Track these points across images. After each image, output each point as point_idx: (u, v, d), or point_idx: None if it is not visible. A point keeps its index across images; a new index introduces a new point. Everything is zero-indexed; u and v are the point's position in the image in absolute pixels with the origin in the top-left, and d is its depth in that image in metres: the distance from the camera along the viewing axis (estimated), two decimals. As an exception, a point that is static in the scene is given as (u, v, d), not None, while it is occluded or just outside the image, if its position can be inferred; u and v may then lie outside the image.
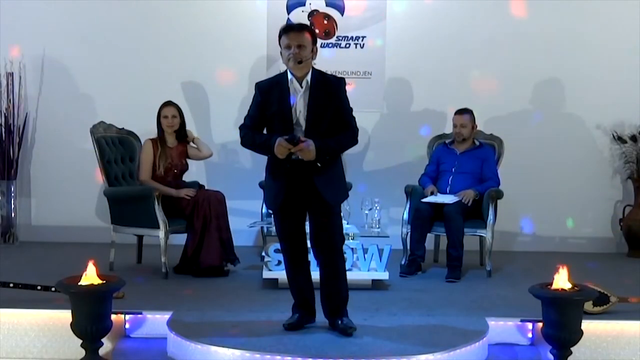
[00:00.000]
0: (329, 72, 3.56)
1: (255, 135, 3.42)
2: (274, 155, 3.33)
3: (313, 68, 3.41)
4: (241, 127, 3.47)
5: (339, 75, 3.56)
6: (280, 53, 3.41)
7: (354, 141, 3.45)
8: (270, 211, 4.76)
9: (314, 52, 3.39)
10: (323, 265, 3.48)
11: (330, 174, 3.40)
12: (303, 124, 3.35)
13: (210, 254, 4.64)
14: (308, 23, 5.79)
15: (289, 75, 3.39)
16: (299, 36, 3.32)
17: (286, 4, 5.85)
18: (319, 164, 3.33)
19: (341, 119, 3.40)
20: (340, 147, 3.43)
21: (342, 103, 3.41)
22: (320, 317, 3.58)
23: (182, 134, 4.96)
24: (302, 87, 3.37)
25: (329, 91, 3.38)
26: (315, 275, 3.55)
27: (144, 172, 4.85)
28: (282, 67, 3.49)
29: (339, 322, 3.46)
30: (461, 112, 5.12)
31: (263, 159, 3.55)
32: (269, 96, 3.39)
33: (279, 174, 3.40)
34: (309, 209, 3.44)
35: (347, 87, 3.47)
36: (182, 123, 4.96)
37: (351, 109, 3.45)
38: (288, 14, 5.83)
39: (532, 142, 5.86)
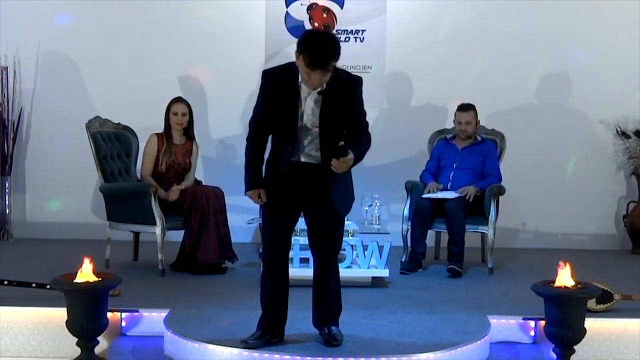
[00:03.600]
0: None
1: (248, 161, 3.22)
2: (275, 153, 3.16)
3: None
4: (249, 127, 3.20)
5: (354, 73, 3.17)
6: (297, 56, 2.96)
7: (369, 147, 3.18)
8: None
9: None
10: (318, 274, 3.27)
11: (343, 184, 3.18)
12: (311, 129, 3.05)
13: (208, 251, 4.59)
14: (307, 16, 5.74)
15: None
16: (326, 73, 2.97)
17: (285, -4, 5.79)
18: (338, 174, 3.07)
19: (352, 124, 3.13)
20: (362, 156, 3.13)
21: (356, 107, 3.13)
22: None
23: (189, 132, 4.90)
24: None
25: (343, 94, 3.07)
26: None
27: (145, 168, 4.81)
28: (282, 60, 3.36)
29: (326, 330, 3.24)
30: (465, 108, 5.03)
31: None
32: (276, 88, 3.07)
33: (277, 172, 3.17)
34: (312, 213, 3.19)
35: None
36: (191, 121, 4.89)
37: (365, 113, 3.18)
38: (287, 7, 5.76)
39: (535, 137, 5.82)
